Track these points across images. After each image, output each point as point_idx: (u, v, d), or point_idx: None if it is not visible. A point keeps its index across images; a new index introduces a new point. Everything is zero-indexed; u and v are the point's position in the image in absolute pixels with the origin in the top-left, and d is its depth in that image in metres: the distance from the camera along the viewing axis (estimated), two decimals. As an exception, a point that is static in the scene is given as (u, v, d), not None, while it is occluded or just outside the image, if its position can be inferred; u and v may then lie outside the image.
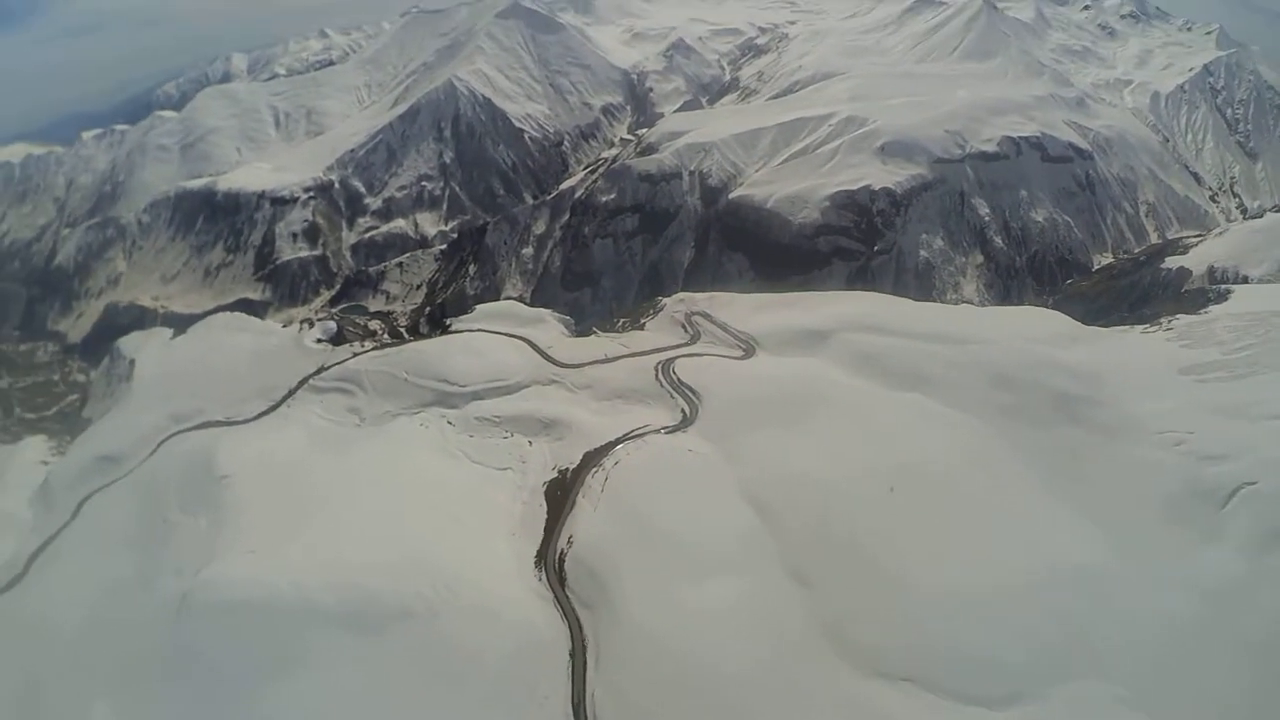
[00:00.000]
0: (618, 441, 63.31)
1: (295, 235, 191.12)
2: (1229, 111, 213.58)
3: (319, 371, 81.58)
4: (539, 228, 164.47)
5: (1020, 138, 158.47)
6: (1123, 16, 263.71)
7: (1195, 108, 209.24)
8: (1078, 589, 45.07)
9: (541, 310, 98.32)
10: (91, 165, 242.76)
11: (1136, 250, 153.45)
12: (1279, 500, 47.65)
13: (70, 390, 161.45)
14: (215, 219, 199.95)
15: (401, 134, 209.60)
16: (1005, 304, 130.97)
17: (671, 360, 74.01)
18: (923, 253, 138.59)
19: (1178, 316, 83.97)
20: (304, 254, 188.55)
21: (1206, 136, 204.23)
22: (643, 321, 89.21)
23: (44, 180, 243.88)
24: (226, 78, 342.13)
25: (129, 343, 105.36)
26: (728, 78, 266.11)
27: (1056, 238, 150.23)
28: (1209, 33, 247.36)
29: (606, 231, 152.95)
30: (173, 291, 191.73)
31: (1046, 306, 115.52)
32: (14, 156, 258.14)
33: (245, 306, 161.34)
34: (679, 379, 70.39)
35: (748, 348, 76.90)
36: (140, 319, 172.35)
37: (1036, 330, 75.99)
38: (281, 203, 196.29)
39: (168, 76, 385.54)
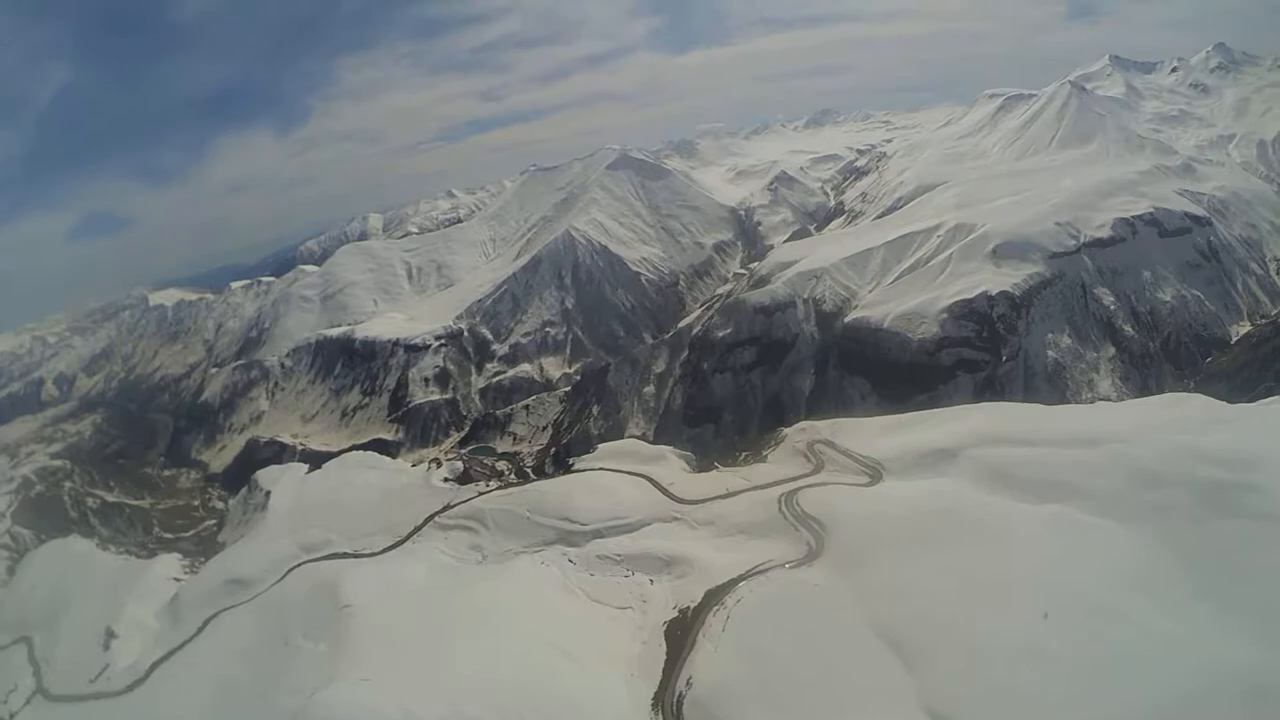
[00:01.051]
0: (741, 578, 61.26)
1: (427, 380, 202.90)
2: None
3: (444, 509, 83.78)
4: (659, 366, 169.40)
5: (1134, 217, 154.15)
6: (1212, 70, 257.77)
7: None
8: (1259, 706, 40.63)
9: (663, 447, 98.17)
10: (239, 312, 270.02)
11: (1275, 312, 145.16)
12: None
13: (208, 516, 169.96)
14: (353, 364, 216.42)
15: (525, 283, 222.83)
16: (1143, 395, 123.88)
17: (795, 491, 72.02)
18: (1050, 353, 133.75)
19: None
20: (435, 397, 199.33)
21: None
22: (764, 453, 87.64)
23: (195, 323, 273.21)
24: (363, 235, 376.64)
25: (266, 476, 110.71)
26: (832, 203, 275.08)
27: (1188, 315, 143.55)
28: None
29: (725, 366, 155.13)
30: (311, 430, 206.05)
31: (1188, 390, 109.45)
32: (167, 300, 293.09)
33: (379, 446, 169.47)
34: (803, 510, 68.35)
35: (874, 473, 74.35)
36: (279, 454, 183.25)
37: (1177, 418, 70.22)
38: (414, 350, 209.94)
39: (310, 234, 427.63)
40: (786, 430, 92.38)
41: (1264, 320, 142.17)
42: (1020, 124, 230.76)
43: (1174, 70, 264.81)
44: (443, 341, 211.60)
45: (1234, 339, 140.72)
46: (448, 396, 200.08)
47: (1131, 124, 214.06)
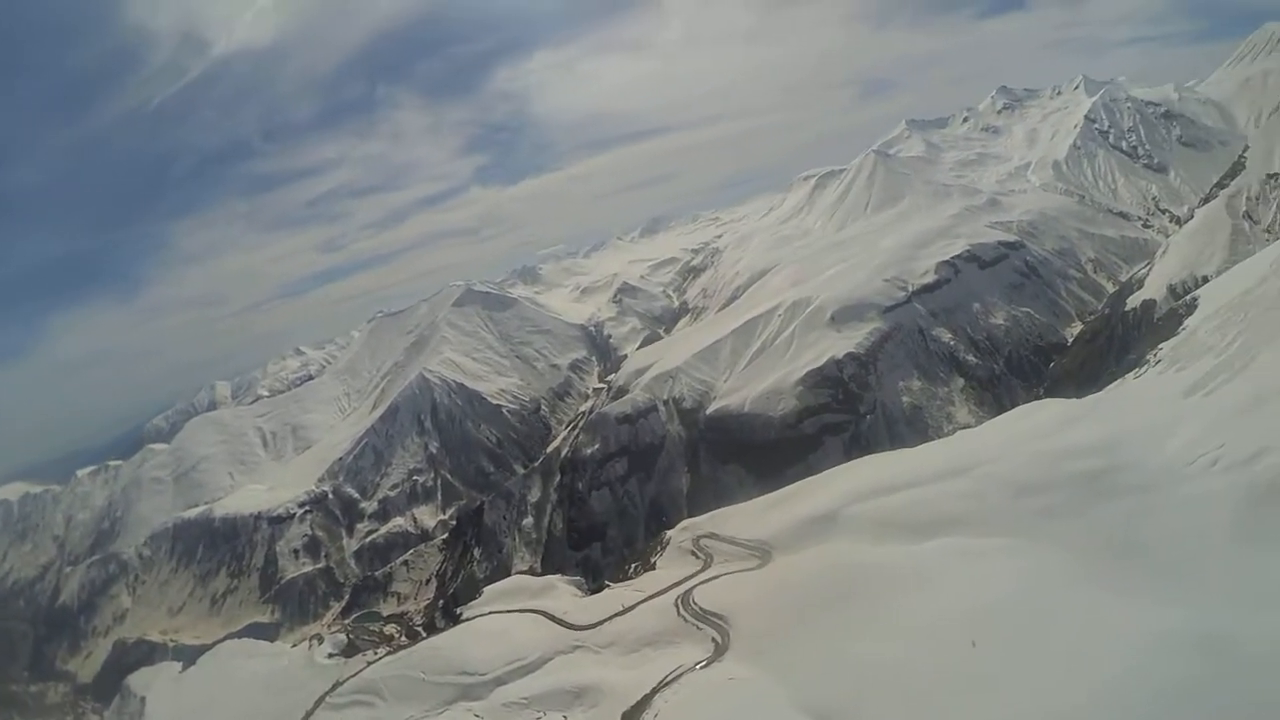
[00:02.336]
0: (654, 691, 58.97)
1: (296, 551, 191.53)
2: (1124, 143, 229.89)
3: (334, 688, 78.37)
4: (534, 495, 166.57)
5: (953, 257, 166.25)
6: (999, 112, 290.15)
7: (1093, 156, 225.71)
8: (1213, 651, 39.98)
9: (551, 577, 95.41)
10: (89, 502, 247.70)
11: (1100, 305, 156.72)
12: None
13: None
14: (215, 546, 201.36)
15: (385, 434, 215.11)
16: (999, 414, 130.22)
17: (689, 591, 70.51)
18: (905, 399, 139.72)
19: (1160, 347, 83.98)
20: (308, 569, 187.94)
21: (1115, 175, 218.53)
22: (653, 560, 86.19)
23: (43, 519, 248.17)
24: (212, 405, 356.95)
25: (138, 680, 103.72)
26: (676, 304, 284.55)
27: (1022, 331, 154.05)
28: (1076, 87, 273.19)
29: (600, 482, 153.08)
30: (181, 623, 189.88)
31: (1038, 398, 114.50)
32: (11, 495, 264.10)
33: (256, 631, 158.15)
34: (701, 608, 66.51)
35: (763, 554, 73.64)
36: (149, 654, 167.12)
37: (1035, 425, 73.71)
38: (278, 521, 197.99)
39: (157, 409, 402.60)
40: (670, 532, 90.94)
41: (1092, 315, 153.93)
42: (836, 198, 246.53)
43: (965, 120, 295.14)
44: (307, 508, 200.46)
45: (1070, 341, 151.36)
46: (321, 565, 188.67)
47: (936, 176, 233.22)
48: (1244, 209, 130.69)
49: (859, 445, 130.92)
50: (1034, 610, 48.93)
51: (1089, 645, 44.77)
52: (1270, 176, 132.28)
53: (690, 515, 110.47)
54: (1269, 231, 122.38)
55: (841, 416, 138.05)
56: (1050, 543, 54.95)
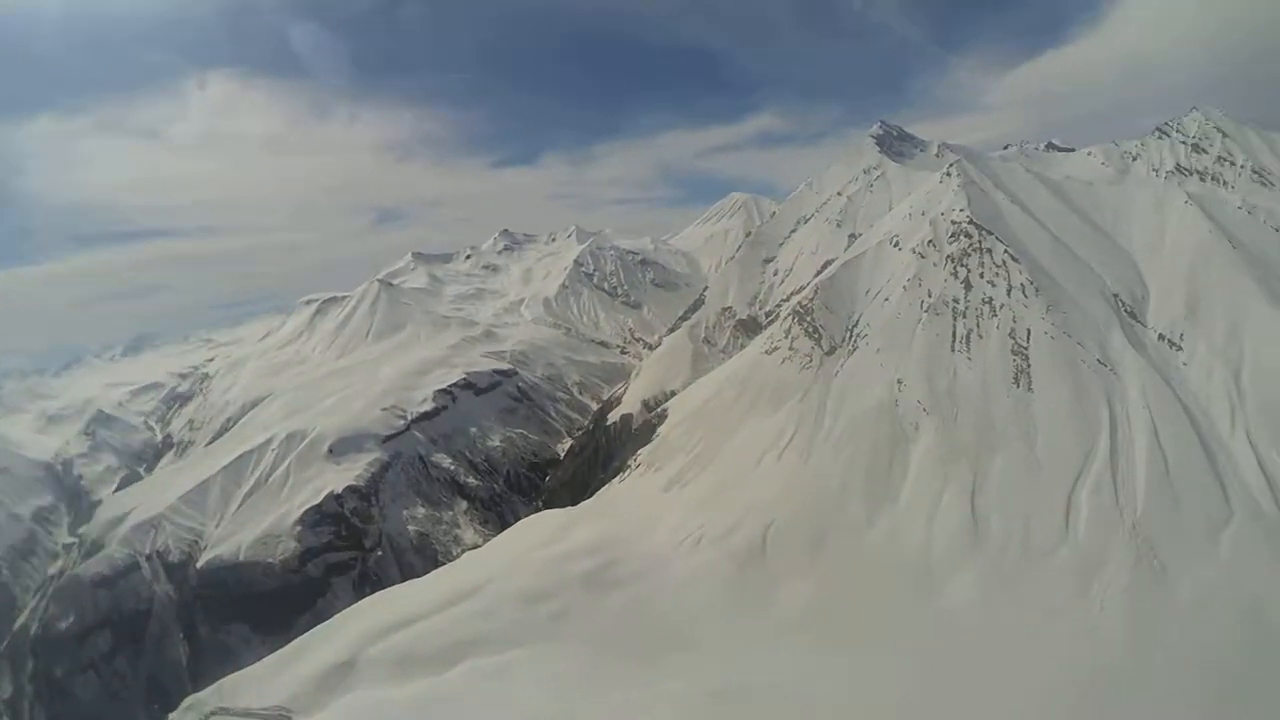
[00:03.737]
0: None
1: None
2: (606, 284, 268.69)
3: None
4: (4, 691, 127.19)
5: (450, 385, 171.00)
6: (499, 252, 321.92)
7: (579, 294, 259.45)
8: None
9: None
10: None
11: (586, 423, 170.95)
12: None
13: None
14: None
15: None
16: (505, 529, 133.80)
17: None
18: (411, 527, 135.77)
19: (639, 453, 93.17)
20: None
21: (597, 310, 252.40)
22: (158, 756, 70.56)
23: None
24: None
25: None
26: (159, 437, 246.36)
27: (517, 451, 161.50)
28: (569, 235, 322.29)
29: (82, 664, 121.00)
30: None
31: (538, 511, 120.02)
32: None
33: None
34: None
35: (285, 721, 65.09)
36: None
37: (537, 536, 77.63)
38: None
39: None
40: (172, 716, 75.85)
41: (580, 432, 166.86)
42: (337, 324, 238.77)
43: (468, 257, 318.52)
44: None
45: (562, 455, 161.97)
46: None
47: (437, 307, 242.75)
48: (703, 335, 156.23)
49: (369, 582, 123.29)
50: (561, 714, 50.41)
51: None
52: (725, 309, 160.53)
53: (195, 689, 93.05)
54: (724, 352, 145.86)
55: (347, 554, 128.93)
56: (567, 643, 56.74)
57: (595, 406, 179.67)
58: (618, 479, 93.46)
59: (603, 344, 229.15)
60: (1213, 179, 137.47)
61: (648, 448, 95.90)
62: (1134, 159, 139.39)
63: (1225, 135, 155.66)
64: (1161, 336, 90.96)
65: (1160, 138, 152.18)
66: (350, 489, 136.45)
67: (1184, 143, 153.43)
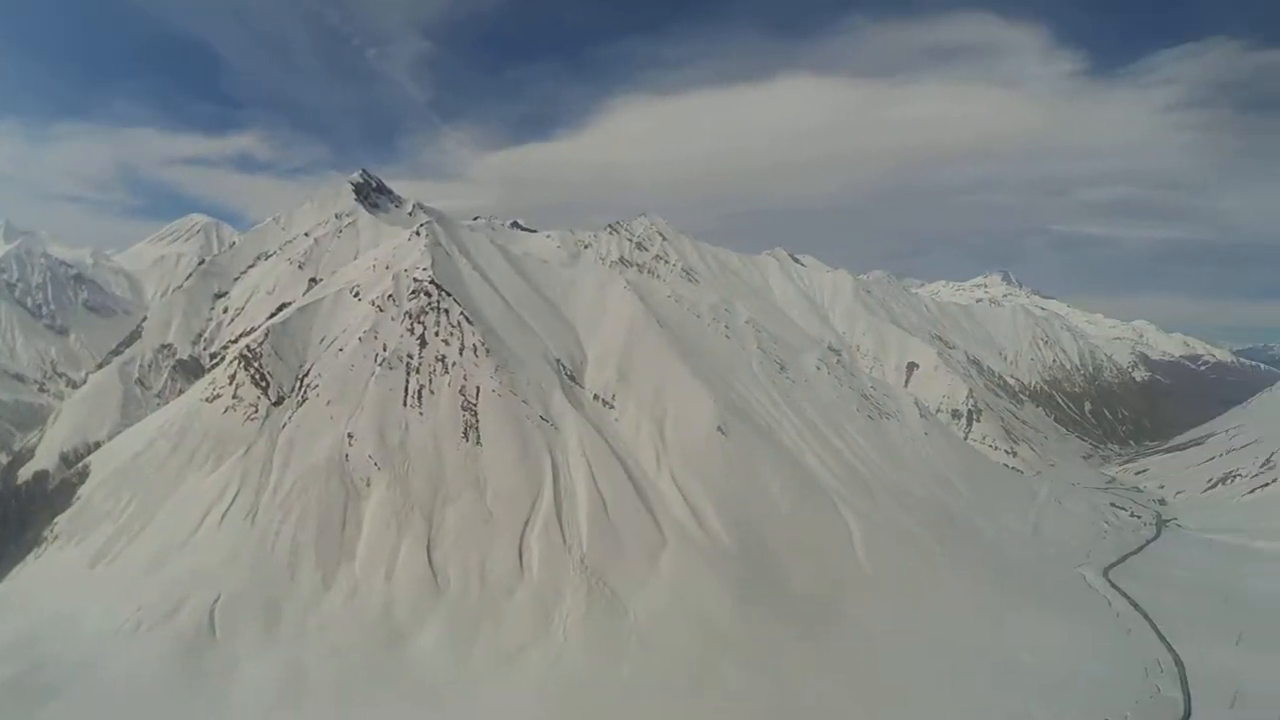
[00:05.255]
0: None
1: None
2: (30, 300, 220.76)
3: None
4: None
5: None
6: None
7: None
8: None
9: None
10: None
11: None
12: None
13: None
14: None
15: None
16: None
17: None
18: None
19: (56, 520, 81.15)
20: None
21: (16, 333, 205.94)
22: None
23: None
24: None
25: None
26: None
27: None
28: None
29: None
30: None
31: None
32: None
33: None
34: None
35: None
36: None
37: None
38: None
39: None
40: None
41: None
42: None
43: None
44: None
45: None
46: None
47: None
48: (137, 375, 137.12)
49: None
50: None
51: None
52: (164, 346, 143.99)
53: None
54: (159, 396, 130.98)
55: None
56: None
57: (4, 460, 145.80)
58: (33, 555, 78.86)
59: (17, 377, 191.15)
60: (649, 272, 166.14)
61: (67, 514, 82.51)
62: (586, 247, 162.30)
63: (664, 239, 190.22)
64: (597, 396, 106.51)
65: (611, 233, 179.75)
66: None
67: (630, 240, 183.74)
